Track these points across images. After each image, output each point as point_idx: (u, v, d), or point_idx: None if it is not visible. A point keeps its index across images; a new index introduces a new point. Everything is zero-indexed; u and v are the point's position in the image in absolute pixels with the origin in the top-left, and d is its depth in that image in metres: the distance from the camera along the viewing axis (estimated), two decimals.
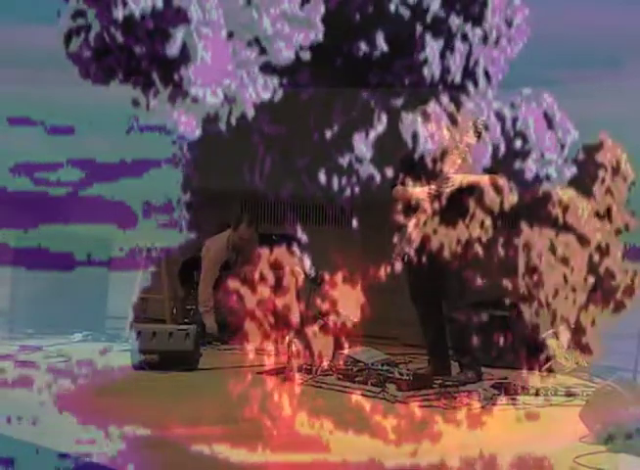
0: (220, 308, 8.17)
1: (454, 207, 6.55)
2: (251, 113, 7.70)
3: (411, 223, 6.62)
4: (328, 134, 7.69)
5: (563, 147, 6.95)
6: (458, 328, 6.67)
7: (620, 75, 7.43)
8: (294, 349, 6.81)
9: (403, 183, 6.74)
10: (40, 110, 8.49)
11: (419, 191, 6.65)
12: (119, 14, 6.95)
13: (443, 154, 6.64)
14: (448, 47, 7.22)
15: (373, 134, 7.39)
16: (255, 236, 8.45)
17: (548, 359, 7.24)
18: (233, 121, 7.48)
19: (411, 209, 6.68)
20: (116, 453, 4.51)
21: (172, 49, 6.96)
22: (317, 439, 4.93)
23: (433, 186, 6.59)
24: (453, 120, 6.64)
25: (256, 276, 8.21)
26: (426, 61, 7.16)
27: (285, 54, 7.07)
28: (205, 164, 8.75)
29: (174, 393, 6.11)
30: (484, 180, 6.58)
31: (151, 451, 4.60)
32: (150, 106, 7.89)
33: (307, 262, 8.16)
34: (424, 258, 6.56)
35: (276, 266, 8.30)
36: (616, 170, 6.94)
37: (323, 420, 5.20)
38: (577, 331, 7.03)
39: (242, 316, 8.09)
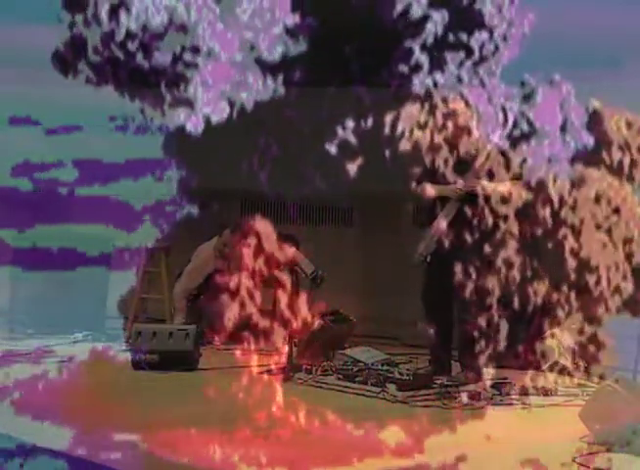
0: (217, 312, 8.15)
1: (479, 210, 6.56)
2: (250, 113, 7.71)
3: (436, 223, 6.61)
4: (329, 134, 7.69)
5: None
6: (468, 330, 6.66)
7: (620, 75, 7.43)
8: (294, 348, 6.81)
9: (429, 181, 6.74)
10: (40, 110, 8.49)
11: (447, 189, 6.64)
12: (120, 32, 6.96)
13: (474, 154, 6.65)
14: (447, 50, 7.22)
15: (375, 134, 7.39)
16: (244, 242, 8.34)
17: (548, 359, 7.25)
18: (232, 122, 7.49)
19: (436, 207, 6.67)
20: (116, 453, 4.51)
21: (176, 65, 6.99)
22: (317, 439, 4.93)
23: (460, 186, 6.58)
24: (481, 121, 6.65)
25: (253, 278, 8.22)
26: (419, 65, 7.16)
27: (284, 55, 7.08)
28: (206, 163, 8.75)
29: (174, 393, 6.11)
30: (510, 188, 6.61)
31: (150, 451, 4.60)
32: (151, 110, 7.90)
33: (307, 262, 8.16)
34: (445, 258, 6.56)
35: (275, 266, 8.32)
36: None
37: (323, 420, 5.20)
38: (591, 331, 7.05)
39: (240, 318, 8.12)
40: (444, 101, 6.76)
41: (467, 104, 6.74)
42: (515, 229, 6.65)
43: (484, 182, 6.61)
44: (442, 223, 6.61)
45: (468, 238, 6.53)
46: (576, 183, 6.84)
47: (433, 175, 6.70)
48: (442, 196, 6.67)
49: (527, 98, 6.79)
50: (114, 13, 7.05)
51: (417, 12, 7.02)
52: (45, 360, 6.92)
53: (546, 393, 6.26)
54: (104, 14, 7.04)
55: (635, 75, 7.30)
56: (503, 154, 6.66)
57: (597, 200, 6.90)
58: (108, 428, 4.85)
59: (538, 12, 7.16)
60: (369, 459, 4.59)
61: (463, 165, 6.65)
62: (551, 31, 7.22)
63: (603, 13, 7.47)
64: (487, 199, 6.62)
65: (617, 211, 6.90)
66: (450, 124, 6.67)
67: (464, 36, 7.16)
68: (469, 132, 6.71)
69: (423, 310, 6.84)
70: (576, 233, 6.82)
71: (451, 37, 7.16)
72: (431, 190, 6.74)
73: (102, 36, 7.28)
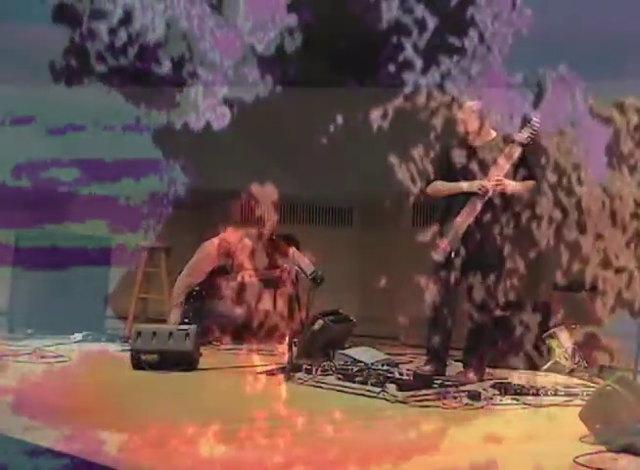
0: (218, 312, 8.17)
1: (497, 209, 6.57)
2: (249, 113, 7.70)
3: (460, 218, 6.61)
4: (329, 133, 7.69)
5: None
6: (477, 330, 6.65)
7: (620, 75, 7.43)
8: (294, 348, 6.81)
9: (441, 179, 6.75)
10: (40, 110, 8.50)
11: (468, 186, 6.65)
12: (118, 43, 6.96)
13: (492, 152, 6.66)
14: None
15: (374, 133, 7.39)
16: (247, 240, 8.36)
17: (548, 359, 7.26)
18: (232, 122, 7.49)
19: (454, 205, 6.67)
20: (116, 453, 4.51)
21: (177, 72, 6.99)
22: (317, 439, 4.92)
23: (484, 183, 6.58)
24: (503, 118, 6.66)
25: (254, 278, 8.23)
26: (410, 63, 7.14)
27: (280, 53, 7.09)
28: (206, 163, 8.76)
29: (174, 393, 6.11)
30: (531, 188, 6.65)
31: (150, 451, 4.59)
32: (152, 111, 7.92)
33: (307, 262, 8.17)
34: (464, 256, 6.57)
35: (275, 267, 8.33)
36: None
37: (323, 420, 5.20)
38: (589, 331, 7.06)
39: (241, 318, 8.13)
40: (460, 98, 6.77)
41: (483, 102, 6.74)
42: (535, 229, 6.67)
43: (510, 181, 6.62)
44: (467, 219, 6.61)
45: (489, 236, 6.53)
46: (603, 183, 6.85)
47: (449, 173, 6.71)
48: (461, 193, 6.67)
49: (539, 95, 6.79)
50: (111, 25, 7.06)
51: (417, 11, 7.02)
52: (45, 360, 6.92)
53: (546, 393, 6.26)
54: (102, 28, 7.04)
55: (635, 75, 7.30)
56: (525, 152, 6.67)
57: (617, 200, 6.92)
58: (107, 428, 4.84)
59: (537, 11, 7.15)
60: (369, 459, 4.59)
61: (486, 163, 6.66)
62: (551, 32, 7.22)
63: (603, 12, 7.47)
64: (511, 198, 6.64)
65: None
66: (468, 120, 6.68)
67: (462, 36, 7.15)
68: (488, 129, 6.72)
69: (428, 308, 6.80)
70: (597, 234, 6.82)
71: (448, 38, 7.15)
72: (439, 188, 6.75)
73: (100, 48, 7.29)
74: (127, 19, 6.77)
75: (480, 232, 6.57)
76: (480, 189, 6.58)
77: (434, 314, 6.70)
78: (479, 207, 6.59)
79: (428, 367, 6.74)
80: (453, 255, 6.57)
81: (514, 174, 6.68)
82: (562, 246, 7.05)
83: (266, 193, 7.88)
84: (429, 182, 6.75)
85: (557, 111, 6.72)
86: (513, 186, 6.62)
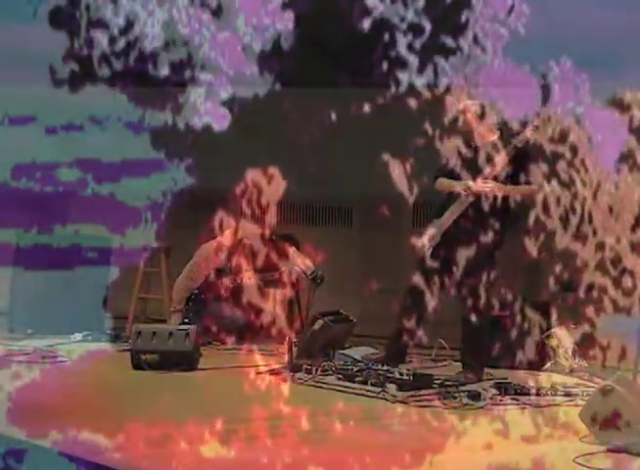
0: (218, 312, 8.17)
1: (488, 210, 6.58)
2: (249, 114, 7.71)
3: (444, 217, 6.65)
4: (329, 133, 7.69)
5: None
6: (472, 329, 6.65)
7: (620, 75, 7.43)
8: (294, 348, 6.81)
9: (447, 176, 6.77)
10: (40, 110, 8.49)
11: (457, 185, 6.67)
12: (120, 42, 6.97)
13: (490, 151, 6.67)
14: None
15: (374, 132, 7.40)
16: (246, 241, 8.35)
17: (548, 359, 7.25)
18: (232, 122, 7.50)
19: (450, 203, 6.71)
20: (116, 453, 4.51)
21: (177, 75, 7.00)
22: (317, 439, 4.92)
23: (469, 184, 6.60)
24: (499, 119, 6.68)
25: (253, 279, 8.23)
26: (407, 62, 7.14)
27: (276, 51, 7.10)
28: (207, 163, 8.75)
29: (174, 393, 6.11)
30: (523, 192, 6.65)
31: (150, 451, 4.59)
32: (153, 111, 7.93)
33: (307, 262, 8.17)
34: (445, 254, 6.60)
35: (275, 267, 8.33)
36: None
37: (323, 420, 5.20)
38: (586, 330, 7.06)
39: (241, 319, 8.12)
40: (461, 98, 6.79)
41: (483, 102, 6.75)
42: (533, 230, 6.67)
43: (493, 183, 6.61)
44: (451, 218, 6.65)
45: (478, 236, 6.53)
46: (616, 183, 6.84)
47: (449, 171, 6.74)
48: (455, 192, 6.70)
49: (544, 95, 6.78)
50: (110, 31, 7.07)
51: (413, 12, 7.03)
52: (45, 360, 6.92)
53: (546, 393, 6.26)
54: (102, 35, 7.05)
55: (635, 75, 7.30)
56: (521, 156, 6.66)
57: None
58: (107, 428, 4.84)
59: (536, 11, 7.16)
60: (369, 460, 4.59)
61: (477, 165, 6.67)
62: (550, 31, 7.22)
63: (603, 12, 7.47)
64: (505, 200, 6.64)
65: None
66: (468, 119, 6.70)
67: (459, 36, 7.15)
68: (488, 129, 6.73)
69: (404, 298, 6.82)
70: (597, 235, 6.82)
71: (445, 38, 7.16)
72: (440, 185, 6.79)
73: (101, 52, 7.31)
74: (129, 25, 6.78)
75: (468, 232, 6.60)
76: (464, 190, 6.62)
77: (405, 304, 6.78)
78: (464, 206, 6.64)
79: (381, 355, 6.79)
80: (431, 250, 6.61)
81: (512, 176, 6.67)
82: (561, 247, 7.05)
83: (267, 193, 7.88)
84: (436, 177, 6.82)
85: (560, 109, 6.71)
86: (503, 189, 6.61)
